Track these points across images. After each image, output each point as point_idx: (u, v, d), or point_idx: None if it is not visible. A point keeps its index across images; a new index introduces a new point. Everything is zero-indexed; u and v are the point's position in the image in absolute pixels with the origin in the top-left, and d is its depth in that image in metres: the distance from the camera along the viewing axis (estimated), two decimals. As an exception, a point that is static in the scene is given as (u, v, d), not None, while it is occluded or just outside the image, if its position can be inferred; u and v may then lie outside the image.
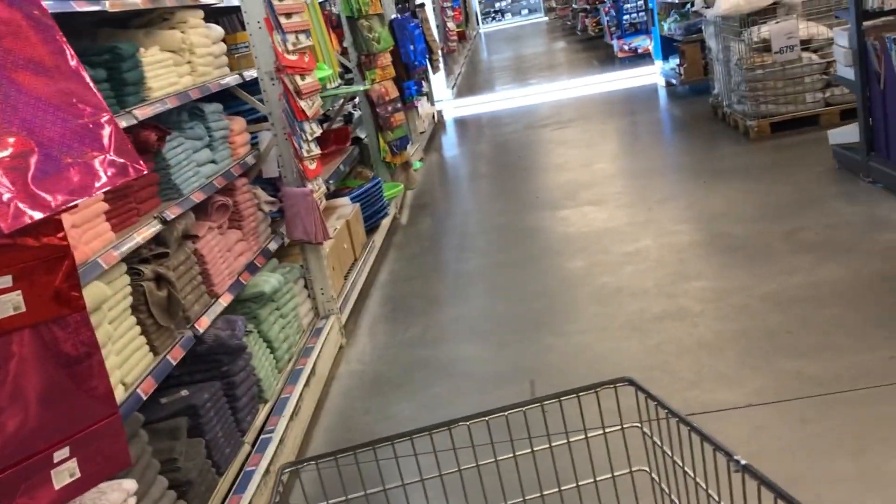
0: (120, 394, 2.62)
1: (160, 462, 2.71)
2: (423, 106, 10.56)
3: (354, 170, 7.07)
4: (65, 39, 1.79)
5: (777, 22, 7.12)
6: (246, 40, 4.53)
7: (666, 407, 1.63)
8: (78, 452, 1.84)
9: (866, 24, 5.40)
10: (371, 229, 6.20)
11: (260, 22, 4.25)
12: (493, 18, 36.80)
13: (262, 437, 3.37)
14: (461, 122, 12.38)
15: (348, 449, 1.79)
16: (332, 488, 1.88)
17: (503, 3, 37.21)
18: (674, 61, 10.76)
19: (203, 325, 3.28)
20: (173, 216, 3.21)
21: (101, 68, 3.01)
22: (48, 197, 1.62)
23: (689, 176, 6.78)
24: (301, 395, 3.72)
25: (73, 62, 1.79)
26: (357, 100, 7.57)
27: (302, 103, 4.30)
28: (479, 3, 36.02)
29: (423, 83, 10.70)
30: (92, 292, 2.50)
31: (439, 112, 12.56)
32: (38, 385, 1.78)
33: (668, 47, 11.01)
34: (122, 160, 1.78)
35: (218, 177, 3.79)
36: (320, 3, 7.03)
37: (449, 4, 16.36)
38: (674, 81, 10.75)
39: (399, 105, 7.17)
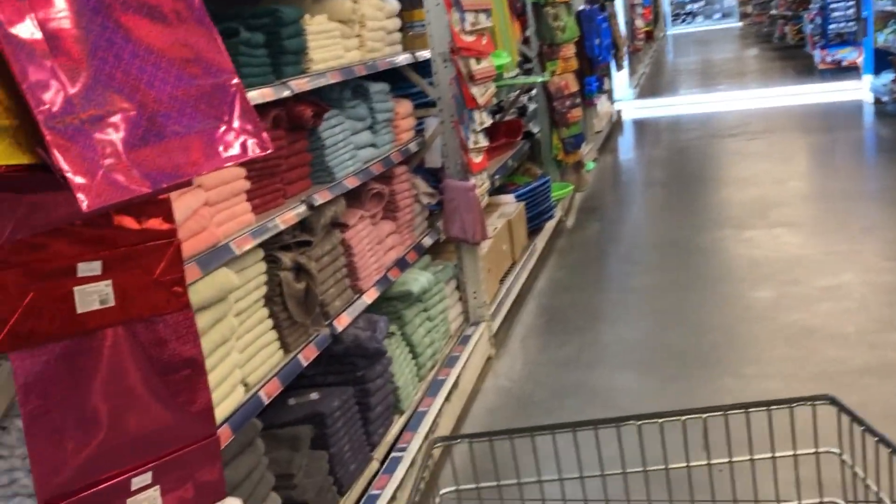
0: (239, 395, 2.34)
1: (275, 476, 2.42)
2: (602, 104, 10.02)
3: (523, 166, 6.67)
4: (192, -18, 1.48)
5: None
6: (422, 18, 4.20)
7: (877, 434, 1.43)
8: (162, 479, 1.54)
9: None
10: (534, 231, 5.78)
11: (438, -2, 3.91)
12: (683, 20, 35.38)
13: (392, 454, 3.04)
14: (640, 124, 11.73)
15: (504, 432, 1.68)
16: (483, 472, 1.74)
17: (695, 6, 35.71)
18: (887, 76, 9.71)
19: (342, 322, 2.98)
20: (322, 201, 2.92)
21: (260, 33, 2.74)
22: (145, 172, 1.31)
23: (902, 206, 5.95)
24: (440, 410, 3.37)
25: (199, 11, 1.47)
26: (533, 92, 7.16)
27: (474, 90, 3.93)
28: (670, 3, 34.74)
29: (605, 80, 10.16)
30: (217, 280, 2.23)
31: (618, 112, 11.97)
32: (124, 394, 1.49)
33: (882, 61, 9.95)
34: (244, 136, 1.45)
35: (376, 162, 3.48)
36: (505, -12, 6.67)
37: (639, 2, 15.66)
38: (885, 99, 9.70)
39: (578, 100, 6.71)
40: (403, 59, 3.93)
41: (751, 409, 1.60)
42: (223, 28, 2.58)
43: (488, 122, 4.13)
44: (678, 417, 1.60)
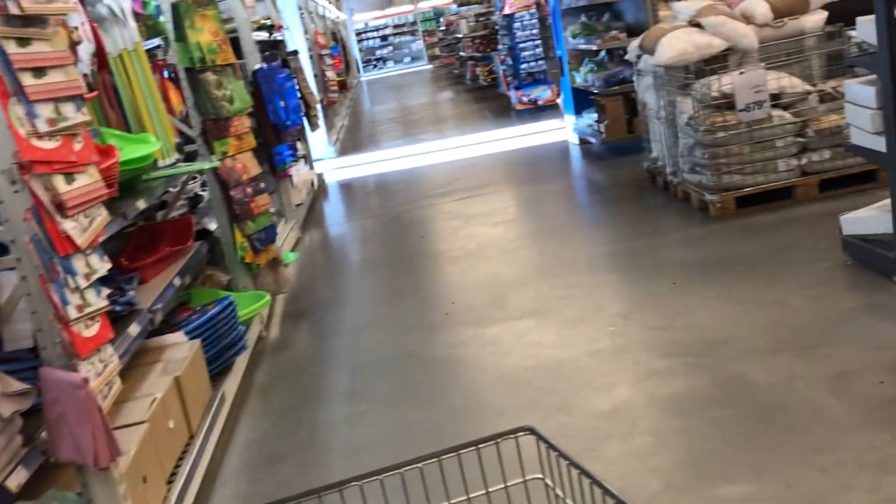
0: None
1: None
2: (298, 173, 8.73)
3: (203, 274, 5.16)
4: None
5: (742, 73, 5.68)
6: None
7: (567, 458, 1.57)
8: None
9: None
10: (221, 371, 4.30)
11: (-16, 82, 2.37)
12: (375, 66, 35.40)
13: None
14: (346, 187, 10.59)
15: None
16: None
17: (384, 51, 35.86)
18: (590, 116, 9.33)
19: None
20: None
21: None
22: None
23: (651, 271, 5.17)
24: None
25: None
26: (205, 176, 5.69)
27: (67, 224, 2.43)
28: (360, 50, 34.60)
29: (299, 145, 8.88)
30: None
31: (319, 175, 10.74)
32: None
33: (583, 100, 9.57)
34: None
35: None
36: (149, 50, 5.18)
37: (327, 52, 14.66)
38: (591, 140, 9.29)
39: (262, 185, 5.32)
40: (-65, 185, 2.34)
41: (461, 451, 1.66)
42: None
43: (104, 267, 2.63)
44: (397, 471, 1.61)
